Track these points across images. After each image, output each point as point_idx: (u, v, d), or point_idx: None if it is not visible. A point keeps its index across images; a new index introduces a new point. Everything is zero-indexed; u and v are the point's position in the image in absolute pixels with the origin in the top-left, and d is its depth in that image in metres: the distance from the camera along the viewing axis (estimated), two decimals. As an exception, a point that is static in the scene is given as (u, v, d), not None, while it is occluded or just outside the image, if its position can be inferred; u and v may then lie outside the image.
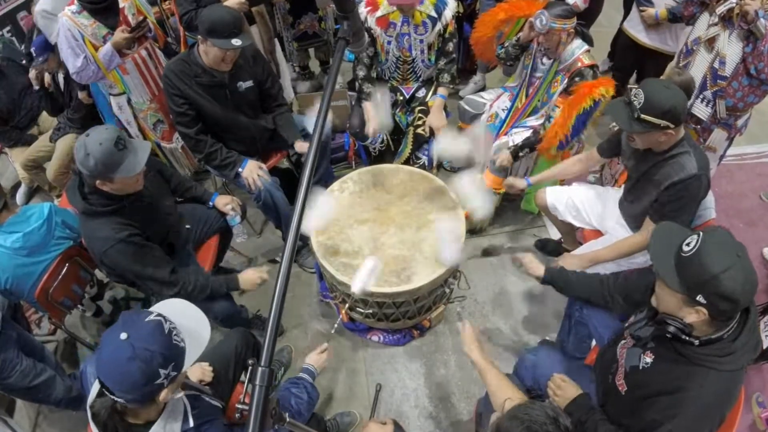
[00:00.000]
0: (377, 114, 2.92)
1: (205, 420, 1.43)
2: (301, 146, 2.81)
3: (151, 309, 1.36)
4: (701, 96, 2.73)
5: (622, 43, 3.57)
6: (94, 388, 1.34)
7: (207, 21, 2.33)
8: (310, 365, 1.98)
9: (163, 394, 1.27)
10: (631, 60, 3.57)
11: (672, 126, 1.86)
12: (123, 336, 1.20)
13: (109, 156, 1.82)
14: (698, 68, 2.70)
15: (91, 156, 1.81)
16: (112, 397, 1.24)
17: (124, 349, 1.19)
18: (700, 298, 1.31)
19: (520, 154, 2.78)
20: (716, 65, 2.62)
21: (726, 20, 2.53)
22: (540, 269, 2.10)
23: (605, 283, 1.90)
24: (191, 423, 1.39)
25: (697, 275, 1.30)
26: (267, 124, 2.85)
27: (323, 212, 2.25)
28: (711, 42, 2.62)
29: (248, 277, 2.31)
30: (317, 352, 2.04)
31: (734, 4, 2.45)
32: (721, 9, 2.51)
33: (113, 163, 1.85)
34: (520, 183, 2.65)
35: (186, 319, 1.38)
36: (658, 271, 1.40)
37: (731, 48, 2.55)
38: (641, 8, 3.19)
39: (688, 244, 1.34)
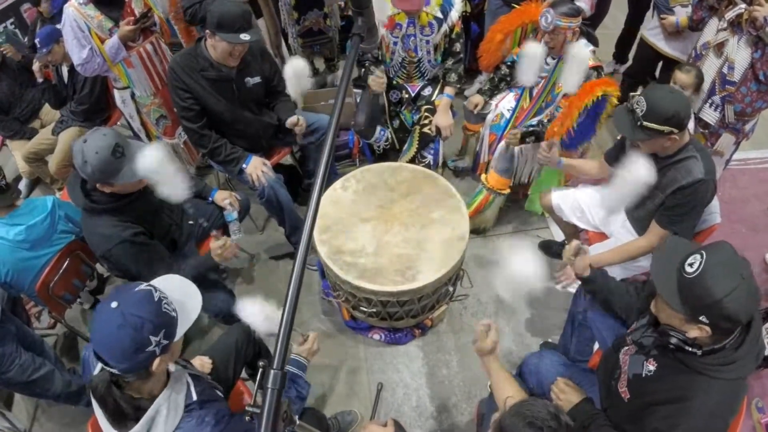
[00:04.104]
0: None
1: (208, 398, 1.44)
2: (291, 121, 2.71)
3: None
4: (710, 101, 2.73)
5: (640, 51, 3.55)
6: (97, 366, 1.35)
7: (216, 15, 2.31)
8: (297, 356, 1.87)
9: (156, 363, 1.27)
10: (648, 68, 3.55)
11: (676, 131, 1.85)
12: (113, 305, 1.22)
13: (107, 165, 1.81)
14: (707, 73, 2.70)
15: (88, 164, 1.80)
16: (108, 369, 1.25)
17: (114, 317, 1.21)
18: (702, 318, 1.30)
19: (527, 140, 2.76)
20: (725, 70, 2.62)
21: (735, 26, 2.53)
22: (586, 268, 1.97)
23: (631, 295, 1.85)
24: (194, 397, 1.39)
25: (700, 299, 1.29)
26: (271, 120, 2.83)
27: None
28: (720, 47, 2.61)
29: (215, 252, 2.19)
30: (300, 341, 1.90)
31: (743, 10, 2.44)
32: (730, 14, 2.51)
33: (111, 171, 1.83)
34: (553, 162, 2.51)
35: (177, 291, 1.40)
36: (660, 291, 1.39)
37: (740, 53, 2.54)
38: (662, 16, 3.16)
39: (690, 265, 1.32)
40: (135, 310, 1.22)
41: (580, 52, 2.48)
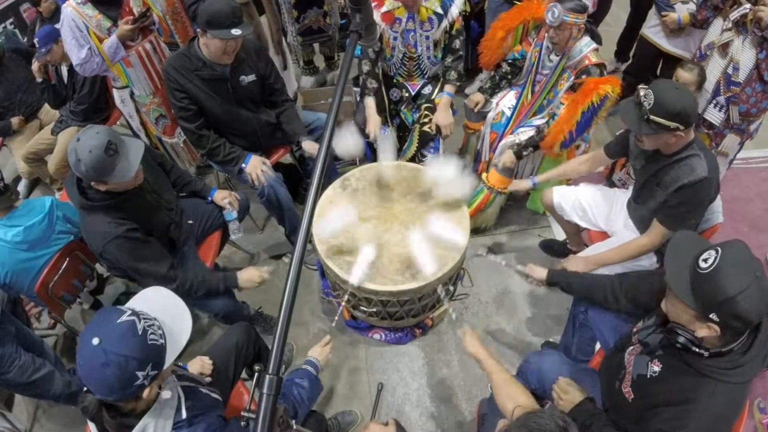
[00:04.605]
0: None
1: (199, 412, 1.41)
2: (310, 146, 2.77)
3: (126, 305, 1.32)
4: (714, 101, 2.71)
5: (641, 49, 3.53)
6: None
7: (206, 13, 2.29)
8: (313, 358, 1.95)
9: (146, 392, 1.25)
10: (649, 66, 3.53)
11: (682, 128, 1.84)
12: (95, 341, 1.16)
13: (100, 163, 1.80)
14: (712, 73, 2.68)
15: (82, 162, 1.79)
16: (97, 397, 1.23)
17: (96, 355, 1.16)
18: (713, 316, 1.28)
19: (524, 153, 2.75)
20: (730, 71, 2.59)
21: (740, 26, 2.50)
22: (543, 272, 2.08)
23: (611, 283, 1.87)
24: (184, 414, 1.36)
25: (712, 295, 1.27)
26: (269, 118, 2.81)
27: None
28: (724, 47, 2.59)
29: (248, 276, 2.28)
30: (321, 345, 2.00)
31: (748, 10, 2.42)
32: (734, 15, 2.48)
33: (105, 169, 1.82)
34: (525, 184, 2.64)
35: (164, 311, 1.35)
36: (672, 286, 1.37)
37: (745, 54, 2.52)
38: (663, 13, 3.15)
39: (705, 260, 1.30)
40: (118, 348, 1.17)
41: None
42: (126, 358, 1.17)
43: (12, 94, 3.59)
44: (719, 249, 1.29)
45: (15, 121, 3.67)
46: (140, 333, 1.20)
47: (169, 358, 1.28)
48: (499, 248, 3.12)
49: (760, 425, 2.37)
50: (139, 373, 1.19)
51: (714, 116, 2.74)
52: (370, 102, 2.98)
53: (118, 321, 1.20)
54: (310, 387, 1.80)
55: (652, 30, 3.35)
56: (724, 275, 1.25)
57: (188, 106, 2.53)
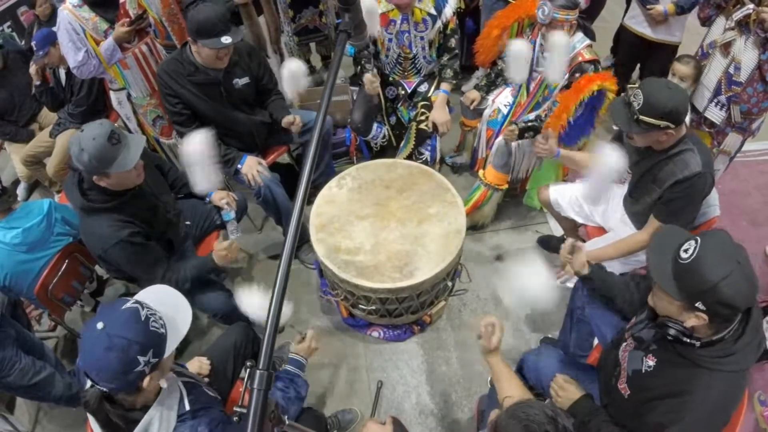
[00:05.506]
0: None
1: (201, 406, 1.43)
2: (287, 120, 2.69)
3: (131, 297, 1.36)
4: (716, 100, 2.71)
5: (625, 40, 3.54)
6: (88, 381, 1.35)
7: (194, 22, 2.28)
8: (295, 355, 1.89)
9: (146, 381, 1.26)
10: (635, 55, 3.54)
11: (672, 126, 1.84)
12: (99, 326, 1.21)
13: (103, 151, 1.81)
14: (713, 72, 2.67)
15: (85, 151, 1.80)
16: (98, 386, 1.25)
17: (100, 339, 1.20)
18: (699, 304, 1.29)
19: (525, 135, 2.74)
20: (731, 70, 2.58)
21: (742, 26, 2.49)
22: (584, 266, 1.97)
23: (630, 286, 1.86)
24: (187, 407, 1.39)
25: (695, 284, 1.28)
26: (264, 119, 2.82)
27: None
28: (727, 47, 2.58)
29: (218, 254, 2.21)
30: (297, 339, 1.93)
31: (751, 11, 2.41)
32: (737, 15, 2.47)
33: (107, 159, 1.84)
34: (551, 148, 2.48)
35: (166, 304, 1.38)
36: (656, 278, 1.38)
37: (747, 54, 2.51)
38: (648, 7, 3.15)
39: (686, 251, 1.31)
40: (121, 332, 1.21)
41: (559, 39, 2.45)
42: (129, 342, 1.20)
43: (16, 96, 3.60)
44: (699, 239, 1.31)
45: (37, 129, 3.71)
46: (143, 319, 1.25)
47: (170, 348, 1.32)
48: (497, 245, 3.12)
49: (761, 417, 2.38)
50: (141, 359, 1.22)
51: (715, 115, 2.73)
52: (369, 75, 2.89)
53: (123, 308, 1.25)
54: (296, 393, 1.77)
55: (633, 20, 3.37)
56: (704, 263, 1.27)
57: (182, 110, 2.53)
